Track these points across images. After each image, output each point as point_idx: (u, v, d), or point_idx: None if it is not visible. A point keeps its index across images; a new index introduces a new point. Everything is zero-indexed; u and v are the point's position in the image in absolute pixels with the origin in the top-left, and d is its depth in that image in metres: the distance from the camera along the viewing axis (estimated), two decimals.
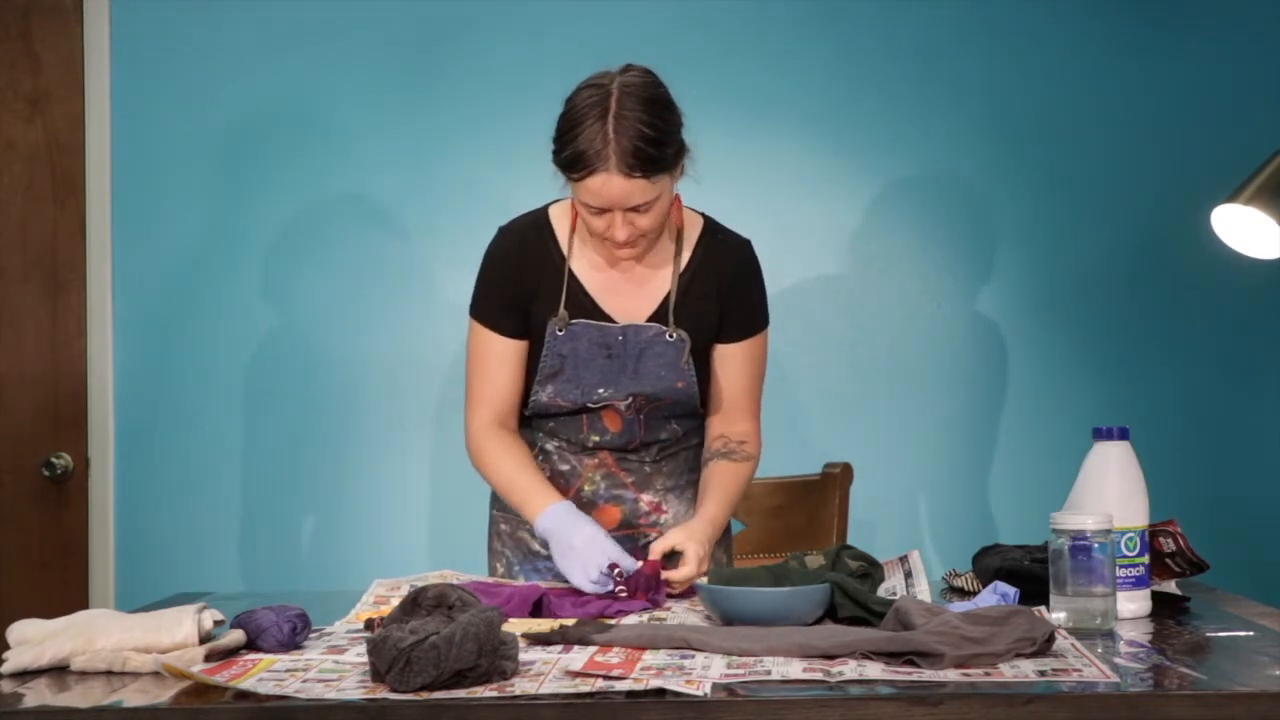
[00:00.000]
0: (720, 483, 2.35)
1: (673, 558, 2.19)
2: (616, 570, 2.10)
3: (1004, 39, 3.54)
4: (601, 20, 3.50)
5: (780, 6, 3.53)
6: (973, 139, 3.53)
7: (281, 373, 3.52)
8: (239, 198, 3.52)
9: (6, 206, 3.54)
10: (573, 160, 2.17)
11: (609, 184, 2.16)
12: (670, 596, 2.16)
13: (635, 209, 2.20)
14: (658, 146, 2.17)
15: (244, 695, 1.52)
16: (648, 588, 2.10)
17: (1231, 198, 2.86)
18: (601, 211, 2.21)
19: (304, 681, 1.56)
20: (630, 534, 2.37)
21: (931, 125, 3.53)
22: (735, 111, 3.47)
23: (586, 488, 2.40)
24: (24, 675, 1.66)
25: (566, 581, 2.24)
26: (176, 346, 3.52)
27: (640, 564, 2.13)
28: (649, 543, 2.26)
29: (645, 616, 1.98)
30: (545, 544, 2.29)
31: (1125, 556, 1.93)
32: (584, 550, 2.16)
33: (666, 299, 2.37)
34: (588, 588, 2.13)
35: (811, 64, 3.53)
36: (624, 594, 2.07)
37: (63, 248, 3.53)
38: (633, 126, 2.15)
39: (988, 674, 1.55)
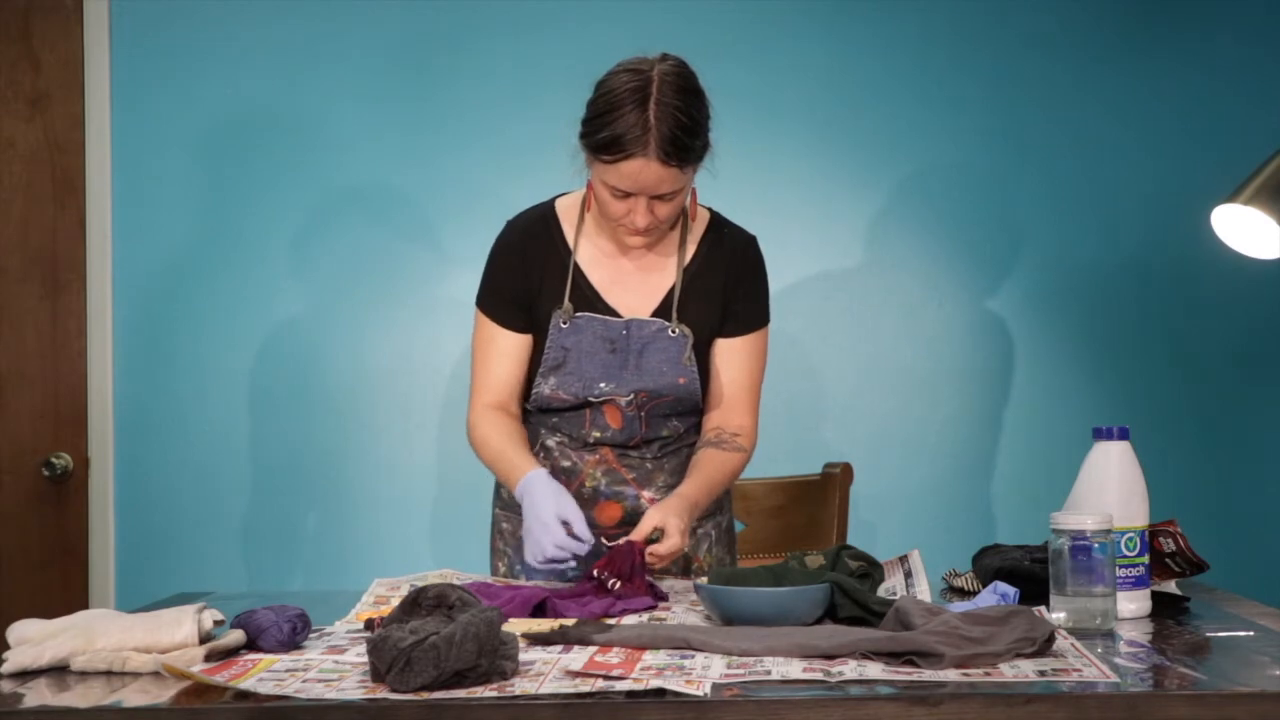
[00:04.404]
0: (702, 467, 2.35)
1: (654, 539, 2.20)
2: (605, 575, 2.10)
3: (1006, 39, 3.54)
4: (602, 20, 3.50)
5: (783, 4, 3.54)
6: (974, 139, 3.54)
7: (282, 372, 3.52)
8: (239, 197, 3.52)
9: (6, 206, 3.54)
10: (610, 143, 2.18)
11: (646, 170, 2.17)
12: (654, 575, 2.17)
13: (660, 197, 2.22)
14: (693, 137, 2.20)
15: (244, 695, 1.52)
16: (630, 570, 2.09)
17: (1231, 198, 2.86)
18: (625, 196, 2.22)
19: (304, 681, 1.56)
20: (631, 530, 2.36)
21: (932, 125, 3.53)
22: (736, 110, 3.44)
23: (588, 484, 2.40)
24: (24, 675, 1.66)
25: (566, 582, 2.25)
26: (176, 346, 3.52)
27: (605, 545, 2.15)
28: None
29: (645, 616, 1.98)
30: None
31: (1125, 556, 1.93)
32: (537, 535, 2.17)
33: (670, 292, 2.38)
34: (534, 565, 2.18)
35: (813, 63, 3.54)
36: (614, 584, 2.07)
37: (63, 248, 3.53)
38: (672, 115, 2.17)
39: (988, 674, 1.55)
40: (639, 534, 2.17)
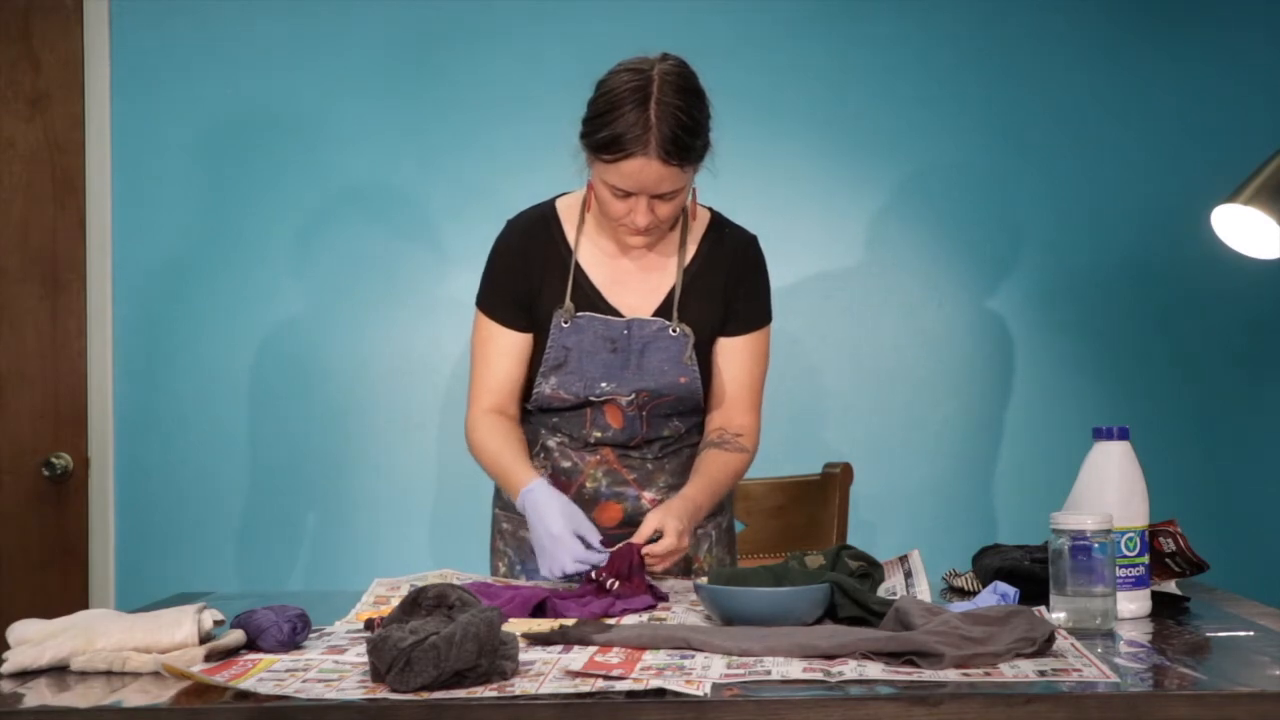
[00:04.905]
0: (705, 469, 2.36)
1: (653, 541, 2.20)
2: (604, 576, 2.10)
3: (1007, 39, 3.54)
4: (601, 19, 3.50)
5: (784, 4, 3.53)
6: (974, 139, 3.54)
7: (281, 372, 3.52)
8: (238, 197, 3.52)
9: (6, 206, 3.54)
10: (610, 142, 2.18)
11: (646, 169, 2.18)
12: (654, 577, 2.17)
13: (660, 196, 2.23)
14: (694, 136, 2.20)
15: (244, 695, 1.52)
16: (629, 571, 2.09)
17: (1231, 198, 2.86)
18: (626, 195, 2.23)
19: (304, 681, 1.56)
20: (632, 531, 2.36)
21: (932, 125, 3.53)
22: (737, 110, 3.45)
23: (589, 484, 2.40)
24: (24, 675, 1.66)
25: (567, 583, 2.25)
26: (176, 346, 3.52)
27: (610, 551, 2.15)
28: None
29: (645, 616, 1.98)
30: None
31: (1125, 556, 1.93)
32: (551, 550, 2.17)
33: (671, 292, 2.38)
34: (550, 578, 2.19)
35: (814, 63, 3.54)
36: (612, 584, 2.07)
37: (63, 248, 3.53)
38: (673, 114, 2.17)
39: (988, 674, 1.55)
40: (639, 537, 2.17)
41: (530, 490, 2.25)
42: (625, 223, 2.27)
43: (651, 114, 2.17)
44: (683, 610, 2.03)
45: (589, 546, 2.16)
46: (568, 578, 2.24)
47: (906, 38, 3.53)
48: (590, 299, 2.37)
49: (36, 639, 1.70)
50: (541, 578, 2.33)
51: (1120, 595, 1.90)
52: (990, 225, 3.54)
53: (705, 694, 1.47)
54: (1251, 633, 1.82)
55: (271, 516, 3.51)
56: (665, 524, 2.18)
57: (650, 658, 1.65)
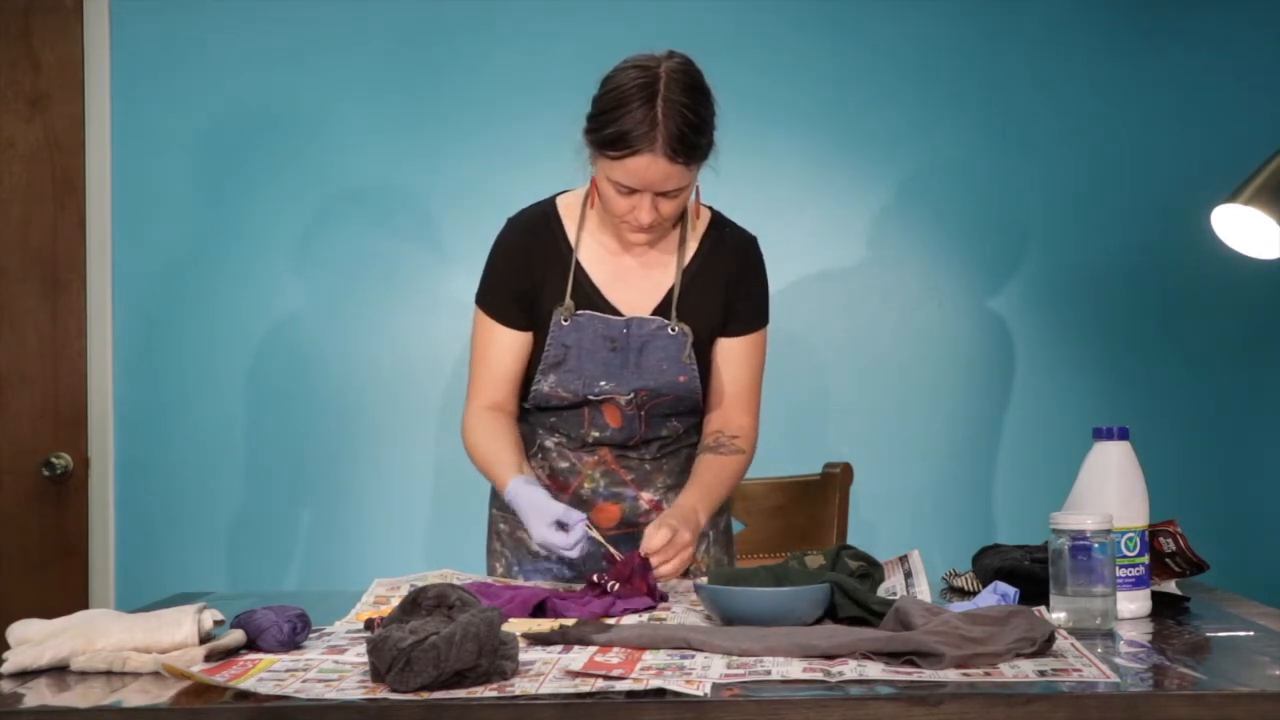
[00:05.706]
0: (700, 474, 2.36)
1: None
2: (608, 582, 2.10)
3: (1006, 39, 3.54)
4: (602, 18, 3.50)
5: (784, 3, 3.53)
6: (974, 138, 3.54)
7: (281, 372, 3.52)
8: (238, 197, 3.52)
9: (6, 206, 3.54)
10: (616, 139, 2.18)
11: (653, 166, 2.17)
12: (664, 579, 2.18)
13: (664, 194, 2.22)
14: (700, 134, 2.20)
15: (244, 695, 1.52)
16: (630, 573, 2.09)
17: (1231, 198, 2.86)
18: (630, 192, 2.22)
19: (304, 681, 1.56)
20: (630, 532, 2.36)
21: (932, 125, 3.53)
22: (738, 108, 3.46)
23: (586, 485, 2.40)
24: (24, 675, 1.66)
25: (566, 584, 2.25)
26: (176, 346, 3.52)
27: (584, 521, 2.18)
28: None
29: (645, 616, 1.98)
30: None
31: (1125, 556, 1.93)
32: (547, 543, 2.20)
33: (671, 291, 2.37)
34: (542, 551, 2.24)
35: (814, 62, 3.53)
36: (613, 586, 2.07)
37: (63, 248, 3.53)
38: (679, 112, 2.17)
39: (988, 674, 1.55)
40: (645, 550, 2.16)
41: (509, 493, 2.26)
42: (628, 220, 2.27)
43: (658, 111, 2.16)
44: (683, 610, 2.03)
45: (567, 527, 2.17)
46: (561, 577, 2.25)
47: (906, 37, 3.53)
48: (590, 297, 2.37)
49: (36, 639, 1.70)
50: (541, 579, 2.34)
51: (1120, 595, 1.90)
52: (990, 225, 3.54)
53: (705, 694, 1.47)
54: (1251, 633, 1.82)
55: (271, 517, 3.51)
56: (662, 526, 2.17)
57: (650, 658, 1.65)
